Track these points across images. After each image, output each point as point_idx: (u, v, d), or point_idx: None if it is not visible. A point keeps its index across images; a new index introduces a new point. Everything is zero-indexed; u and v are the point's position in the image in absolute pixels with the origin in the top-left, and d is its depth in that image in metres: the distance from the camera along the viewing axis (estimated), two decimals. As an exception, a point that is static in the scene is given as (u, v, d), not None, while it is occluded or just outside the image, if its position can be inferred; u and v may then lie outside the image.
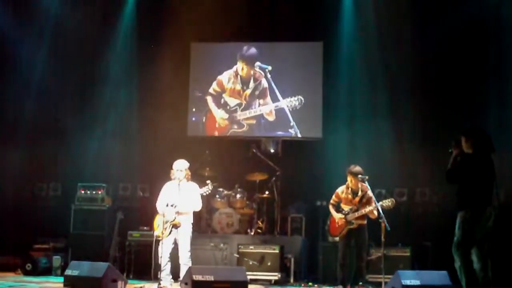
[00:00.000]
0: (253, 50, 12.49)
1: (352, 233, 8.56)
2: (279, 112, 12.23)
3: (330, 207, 8.83)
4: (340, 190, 8.79)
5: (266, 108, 12.26)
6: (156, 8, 12.64)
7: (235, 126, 12.39)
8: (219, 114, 12.42)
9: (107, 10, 12.65)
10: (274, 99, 12.27)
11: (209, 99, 12.52)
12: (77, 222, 11.17)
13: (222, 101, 12.46)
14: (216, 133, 12.49)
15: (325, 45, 12.27)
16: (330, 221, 8.92)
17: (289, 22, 12.41)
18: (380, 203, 8.31)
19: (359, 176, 8.54)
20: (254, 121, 12.34)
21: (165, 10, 12.49)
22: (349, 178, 8.66)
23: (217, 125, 12.47)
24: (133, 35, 12.74)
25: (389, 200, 8.38)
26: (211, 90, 12.52)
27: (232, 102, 12.42)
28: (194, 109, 12.58)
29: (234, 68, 12.48)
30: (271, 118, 12.27)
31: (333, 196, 8.85)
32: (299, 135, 12.15)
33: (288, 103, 12.11)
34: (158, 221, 8.54)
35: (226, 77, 12.48)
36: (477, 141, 6.77)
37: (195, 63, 12.75)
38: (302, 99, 12.05)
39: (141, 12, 12.70)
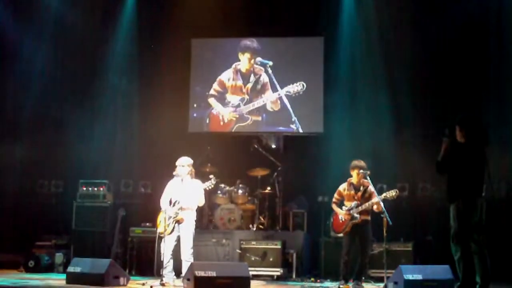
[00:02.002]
0: (257, 43, 12.47)
1: (356, 228, 8.53)
2: (281, 106, 12.23)
3: (333, 206, 8.79)
4: (342, 187, 8.76)
5: (272, 97, 12.20)
6: (157, 4, 12.63)
7: (240, 121, 12.36)
8: (227, 111, 12.38)
9: (107, 6, 12.62)
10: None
11: (211, 100, 12.46)
12: (79, 219, 11.18)
13: (226, 100, 12.44)
14: (221, 129, 12.44)
15: (325, 40, 12.25)
16: (333, 218, 8.89)
17: (289, 17, 12.41)
18: (384, 194, 8.30)
19: (361, 171, 8.51)
20: (259, 118, 12.31)
21: (166, 6, 12.49)
22: (354, 173, 8.61)
23: (221, 123, 12.42)
24: (134, 31, 12.71)
25: (393, 190, 8.36)
26: (212, 92, 12.45)
27: (235, 99, 12.38)
28: (195, 105, 12.55)
29: (233, 65, 12.44)
30: (277, 107, 12.21)
31: (335, 195, 8.80)
32: (300, 130, 12.11)
33: (291, 88, 12.06)
34: (160, 218, 8.54)
35: (226, 76, 12.43)
36: (471, 132, 6.74)
37: (196, 59, 12.73)
38: (304, 84, 12.02)
39: (142, 8, 12.67)
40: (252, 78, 12.36)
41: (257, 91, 12.33)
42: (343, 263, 8.65)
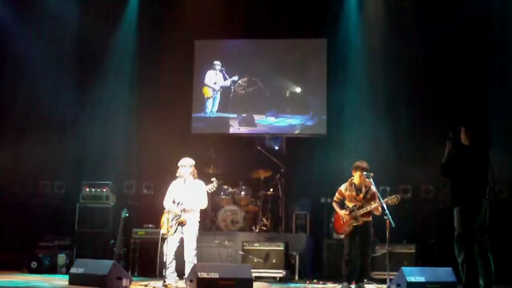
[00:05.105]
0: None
1: (357, 230, 8.53)
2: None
3: (334, 205, 8.78)
4: (343, 187, 8.74)
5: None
6: (159, 6, 12.64)
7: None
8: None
9: (110, 7, 12.62)
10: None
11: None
12: (82, 220, 11.19)
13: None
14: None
15: (329, 41, 12.27)
16: (334, 219, 8.89)
17: (293, 19, 12.43)
18: (386, 199, 8.28)
19: (364, 173, 8.49)
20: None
21: (168, 8, 12.50)
22: (356, 174, 8.60)
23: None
24: (136, 32, 12.73)
25: (394, 196, 8.33)
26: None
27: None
28: (197, 107, 12.59)
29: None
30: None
31: (336, 194, 8.79)
32: (303, 132, 12.14)
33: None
34: (164, 219, 8.53)
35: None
36: (476, 134, 6.71)
37: (199, 60, 12.76)
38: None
39: (145, 10, 12.68)
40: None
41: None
42: (344, 263, 8.65)
